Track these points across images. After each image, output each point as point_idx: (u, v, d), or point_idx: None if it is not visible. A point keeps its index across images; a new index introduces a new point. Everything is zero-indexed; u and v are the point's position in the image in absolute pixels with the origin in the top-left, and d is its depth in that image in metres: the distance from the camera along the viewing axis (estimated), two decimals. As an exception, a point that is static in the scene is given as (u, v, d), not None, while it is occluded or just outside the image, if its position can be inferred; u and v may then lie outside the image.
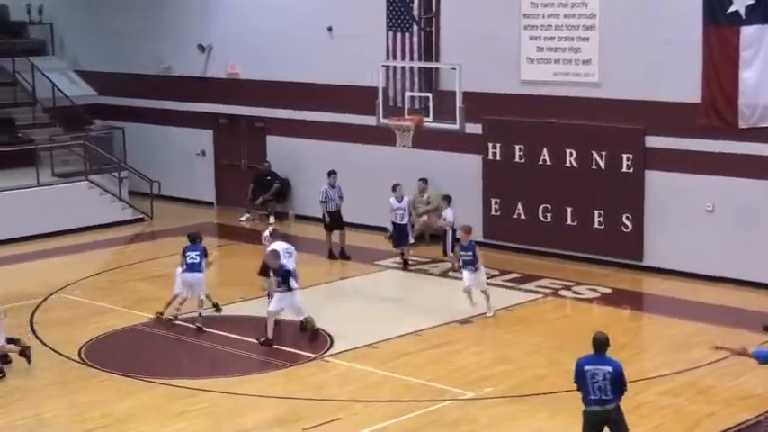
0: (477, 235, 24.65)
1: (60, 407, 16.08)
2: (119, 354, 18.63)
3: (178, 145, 30.98)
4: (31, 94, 31.74)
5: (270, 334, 18.34)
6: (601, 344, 12.53)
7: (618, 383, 12.45)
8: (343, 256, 24.53)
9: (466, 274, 20.04)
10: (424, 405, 15.79)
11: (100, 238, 27.32)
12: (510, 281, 22.49)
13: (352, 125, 26.46)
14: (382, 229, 25.10)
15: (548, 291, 21.74)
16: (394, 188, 23.86)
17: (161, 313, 19.91)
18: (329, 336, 18.93)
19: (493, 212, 24.74)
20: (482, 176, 24.80)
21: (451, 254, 23.20)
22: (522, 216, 24.31)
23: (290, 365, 17.63)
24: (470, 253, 20.00)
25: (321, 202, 24.69)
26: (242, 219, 28.87)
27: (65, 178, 28.57)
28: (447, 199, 24.41)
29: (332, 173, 24.88)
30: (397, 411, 15.58)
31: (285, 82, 28.30)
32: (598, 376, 12.37)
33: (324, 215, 24.62)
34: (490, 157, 24.63)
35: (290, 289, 18.45)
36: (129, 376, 17.15)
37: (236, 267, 24.00)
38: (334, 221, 24.64)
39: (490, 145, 24.57)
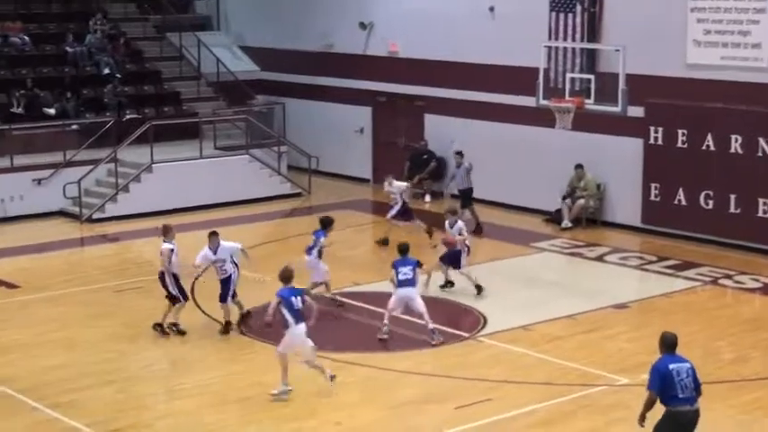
0: (636, 219, 24.36)
1: (216, 374, 16.42)
2: (274, 325, 18.86)
3: (337, 121, 31.26)
4: (196, 68, 32.46)
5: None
6: (674, 342, 12.24)
7: (696, 380, 12.20)
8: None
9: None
10: (577, 389, 15.63)
11: (258, 212, 27.80)
12: (668, 267, 22.06)
13: (511, 105, 26.25)
14: (539, 212, 24.88)
15: (707, 279, 21.24)
16: None
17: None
18: (483, 316, 18.88)
19: (652, 198, 24.25)
20: (643, 161, 24.32)
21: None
22: (683, 202, 23.77)
23: (443, 344, 17.61)
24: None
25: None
26: (398, 197, 28.96)
27: (226, 151, 29.14)
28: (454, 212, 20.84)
29: (458, 153, 25.20)
30: (549, 394, 15.45)
31: (445, 61, 28.25)
32: (682, 374, 12.05)
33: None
34: (652, 141, 24.13)
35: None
36: (283, 347, 17.39)
37: (393, 244, 24.06)
38: (462, 199, 24.74)
39: (652, 129, 24.07)
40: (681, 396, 12.07)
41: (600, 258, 22.84)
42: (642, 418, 12.19)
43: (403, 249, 17.98)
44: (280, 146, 30.07)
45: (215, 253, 18.16)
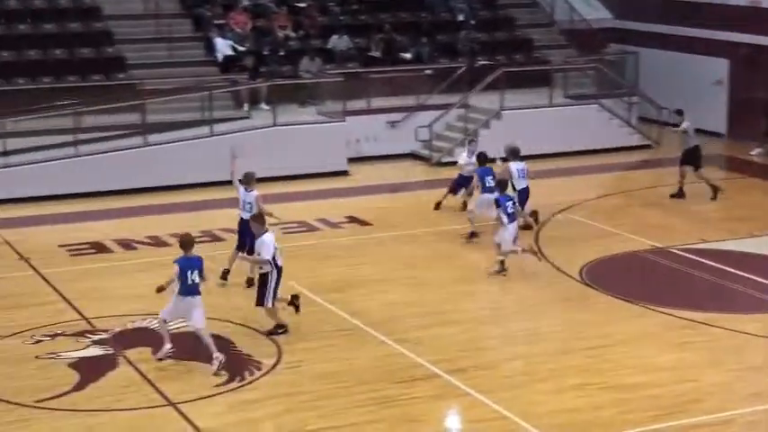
0: None
1: (558, 323, 16.43)
2: (619, 278, 18.71)
3: (692, 73, 30.28)
4: (549, 15, 32.32)
5: None
6: None
7: None
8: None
9: None
10: None
11: (605, 162, 27.49)
12: None
13: None
14: None
15: None
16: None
17: None
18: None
19: None
20: None
21: None
22: None
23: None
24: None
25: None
26: (752, 153, 27.87)
27: (576, 100, 28.91)
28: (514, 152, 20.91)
29: (679, 111, 24.08)
30: None
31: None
32: None
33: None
34: None
35: None
36: (628, 301, 17.16)
37: (742, 202, 23.25)
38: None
39: None
40: None
41: None
42: None
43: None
44: (631, 96, 29.51)
45: None
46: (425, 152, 27.58)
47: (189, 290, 14.28)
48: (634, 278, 18.83)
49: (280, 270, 15.51)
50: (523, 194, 20.27)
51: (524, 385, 14.03)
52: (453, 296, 17.67)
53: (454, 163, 23.84)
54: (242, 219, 17.38)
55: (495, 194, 18.60)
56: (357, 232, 21.36)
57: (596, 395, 13.62)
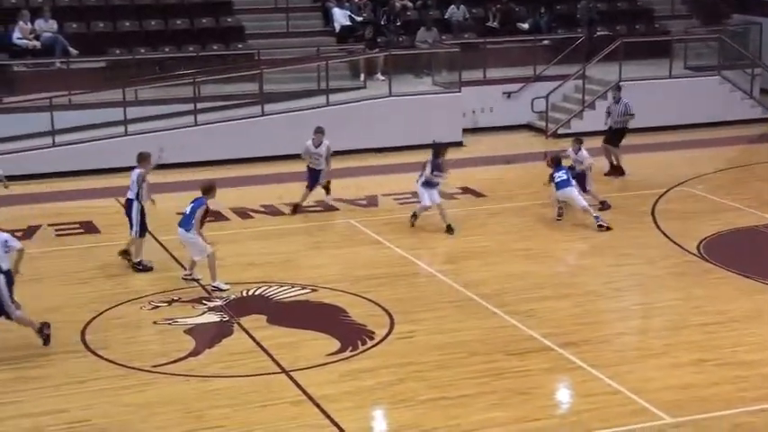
0: None
1: (674, 297, 16.15)
2: (738, 253, 18.30)
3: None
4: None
5: None
6: None
7: None
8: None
9: None
10: None
11: (725, 135, 26.97)
12: None
13: None
14: None
15: None
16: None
17: None
18: None
19: None
20: None
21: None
22: None
23: None
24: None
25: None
26: None
27: (696, 71, 28.34)
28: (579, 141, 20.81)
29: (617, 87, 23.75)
30: None
31: None
32: None
33: None
34: None
35: None
36: (748, 277, 16.80)
37: None
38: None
39: None
40: None
41: None
42: None
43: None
44: (754, 68, 28.80)
45: None
46: (541, 123, 27.34)
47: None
48: (754, 253, 18.40)
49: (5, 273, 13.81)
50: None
51: (638, 360, 13.84)
52: (567, 269, 17.55)
53: (571, 135, 23.59)
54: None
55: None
56: (471, 203, 21.30)
57: (712, 372, 13.38)
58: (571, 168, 20.08)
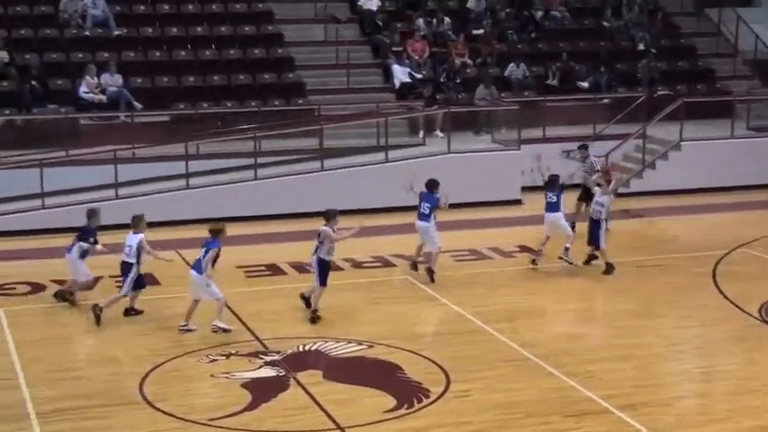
0: None
1: (736, 361, 15.91)
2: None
3: None
4: (733, 45, 31.56)
5: None
6: None
7: None
8: None
9: None
10: None
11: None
12: None
13: None
14: None
15: None
16: None
17: None
18: None
19: None
20: None
21: None
22: None
23: None
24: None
25: None
26: None
27: (759, 132, 28.14)
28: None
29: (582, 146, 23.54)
30: None
31: None
32: None
33: None
34: None
35: None
36: (810, 341, 16.57)
37: None
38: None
39: None
40: None
41: None
42: None
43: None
44: (817, 129, 28.56)
45: None
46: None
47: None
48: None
49: None
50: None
51: (700, 425, 13.62)
52: (626, 330, 17.35)
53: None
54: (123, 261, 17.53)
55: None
56: (529, 262, 21.20)
57: (774, 438, 13.18)
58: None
